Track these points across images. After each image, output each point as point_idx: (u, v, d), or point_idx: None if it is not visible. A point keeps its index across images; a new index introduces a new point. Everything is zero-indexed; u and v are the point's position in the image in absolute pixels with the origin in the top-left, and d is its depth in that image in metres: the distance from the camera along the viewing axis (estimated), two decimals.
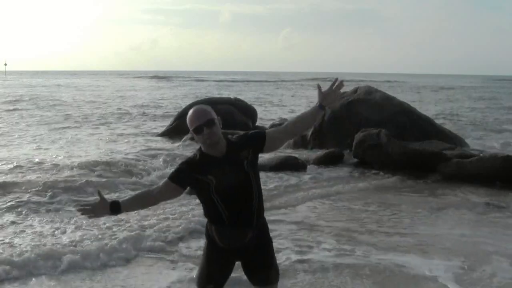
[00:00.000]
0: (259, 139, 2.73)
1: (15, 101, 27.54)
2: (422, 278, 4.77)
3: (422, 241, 5.87)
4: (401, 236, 6.05)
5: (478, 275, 4.83)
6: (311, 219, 6.73)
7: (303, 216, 6.87)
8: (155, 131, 15.91)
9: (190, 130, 2.66)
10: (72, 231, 5.79)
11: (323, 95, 2.70)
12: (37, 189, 7.59)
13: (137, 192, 2.89)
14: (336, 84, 2.72)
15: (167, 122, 16.46)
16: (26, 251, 5.02)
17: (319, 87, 2.72)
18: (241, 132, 2.89)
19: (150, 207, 2.96)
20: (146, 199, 2.83)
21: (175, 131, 14.23)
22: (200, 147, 2.73)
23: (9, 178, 8.33)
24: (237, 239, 2.74)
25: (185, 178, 2.71)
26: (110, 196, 6.91)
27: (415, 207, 7.35)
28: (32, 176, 8.45)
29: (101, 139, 14.05)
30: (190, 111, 2.68)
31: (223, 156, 2.66)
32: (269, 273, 2.89)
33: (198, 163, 2.68)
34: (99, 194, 2.75)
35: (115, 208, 2.71)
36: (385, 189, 8.54)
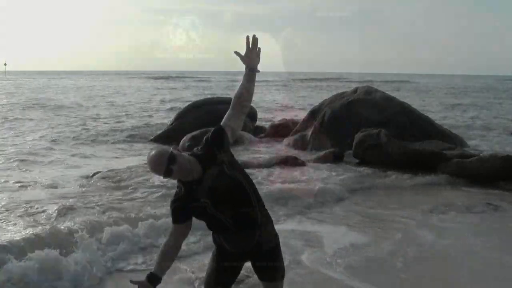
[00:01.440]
0: (220, 137, 2.68)
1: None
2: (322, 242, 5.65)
3: (386, 226, 6.25)
4: (376, 223, 6.36)
5: (376, 252, 5.33)
6: (306, 214, 6.78)
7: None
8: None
9: (162, 177, 2.60)
10: None
11: (245, 59, 2.77)
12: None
13: (158, 253, 2.82)
14: (251, 41, 2.75)
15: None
16: None
17: (237, 54, 2.78)
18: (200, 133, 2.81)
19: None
20: (169, 252, 2.77)
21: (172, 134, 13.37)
22: (179, 179, 2.67)
23: None
24: (247, 241, 2.73)
25: (184, 213, 2.69)
26: None
27: (412, 206, 7.35)
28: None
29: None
30: (148, 164, 2.62)
31: (203, 174, 2.61)
32: (275, 274, 2.90)
33: (186, 194, 2.65)
34: (133, 282, 2.69)
35: (154, 280, 2.68)
36: (384, 188, 8.54)
